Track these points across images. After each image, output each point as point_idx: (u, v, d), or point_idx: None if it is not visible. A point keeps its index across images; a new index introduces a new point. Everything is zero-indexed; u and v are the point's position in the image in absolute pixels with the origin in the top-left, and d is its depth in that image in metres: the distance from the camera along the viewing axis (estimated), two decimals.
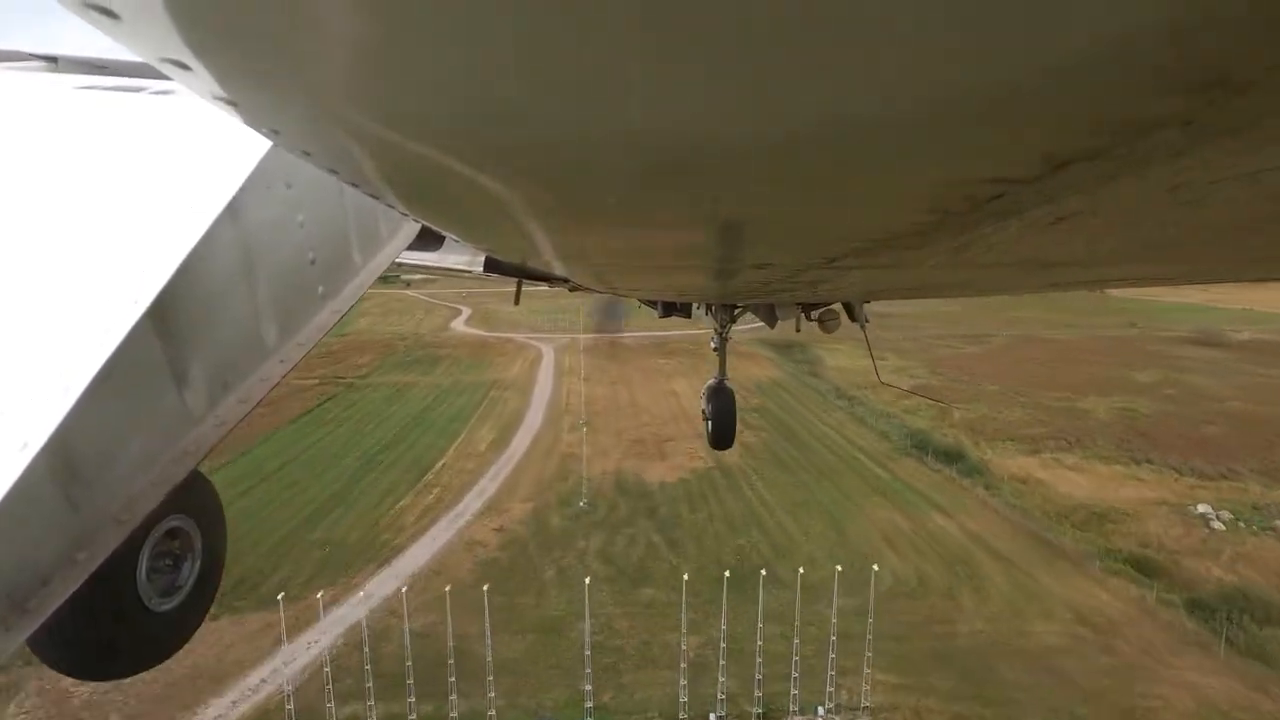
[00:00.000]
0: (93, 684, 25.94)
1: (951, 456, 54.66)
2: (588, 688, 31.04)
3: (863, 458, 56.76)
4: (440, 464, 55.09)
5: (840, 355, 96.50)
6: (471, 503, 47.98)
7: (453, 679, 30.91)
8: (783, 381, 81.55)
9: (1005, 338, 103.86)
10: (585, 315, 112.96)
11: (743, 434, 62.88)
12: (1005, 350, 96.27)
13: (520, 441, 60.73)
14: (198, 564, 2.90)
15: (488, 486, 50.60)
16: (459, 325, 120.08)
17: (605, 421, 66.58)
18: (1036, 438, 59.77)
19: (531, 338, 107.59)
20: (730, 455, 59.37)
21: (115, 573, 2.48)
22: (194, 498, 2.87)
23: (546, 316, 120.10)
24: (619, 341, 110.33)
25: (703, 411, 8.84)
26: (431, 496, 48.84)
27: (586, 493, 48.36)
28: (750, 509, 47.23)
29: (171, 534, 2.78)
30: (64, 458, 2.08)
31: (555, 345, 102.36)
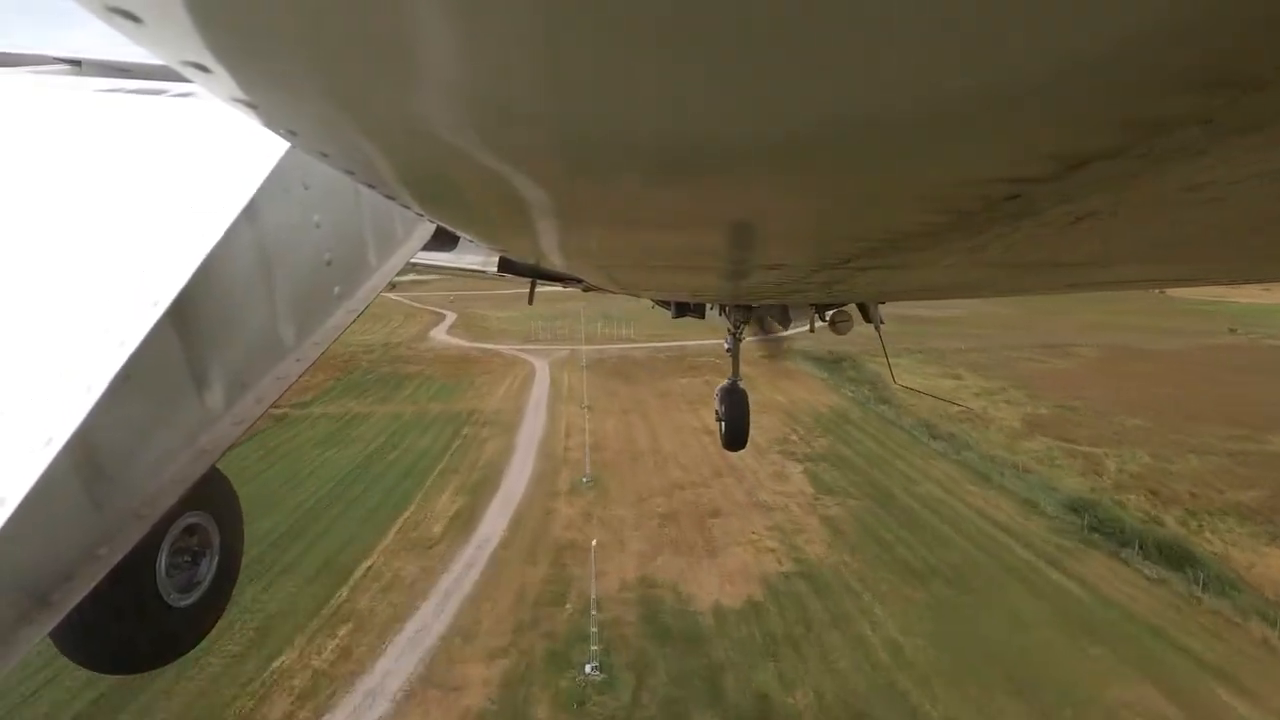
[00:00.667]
0: None
1: (1168, 551, 33.64)
2: None
3: (1018, 548, 35.72)
4: (364, 567, 34.00)
5: (902, 372, 75.65)
6: (400, 661, 26.91)
7: None
8: (847, 412, 60.56)
9: (1094, 348, 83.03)
10: (586, 321, 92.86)
11: (822, 502, 40.34)
12: (1104, 365, 75.40)
13: (495, 519, 39.61)
14: (215, 560, 2.89)
15: (432, 621, 29.53)
16: (439, 334, 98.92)
17: (619, 478, 45.55)
18: (1259, 508, 38.93)
19: (523, 350, 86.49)
20: (816, 542, 37.25)
21: (135, 568, 2.46)
22: (212, 495, 2.85)
23: (543, 323, 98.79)
24: (628, 355, 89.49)
25: (716, 412, 8.43)
26: (331, 649, 27.71)
27: (597, 642, 27.28)
28: (883, 673, 26.25)
29: (190, 530, 2.79)
30: (87, 454, 2.10)
31: (551, 359, 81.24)
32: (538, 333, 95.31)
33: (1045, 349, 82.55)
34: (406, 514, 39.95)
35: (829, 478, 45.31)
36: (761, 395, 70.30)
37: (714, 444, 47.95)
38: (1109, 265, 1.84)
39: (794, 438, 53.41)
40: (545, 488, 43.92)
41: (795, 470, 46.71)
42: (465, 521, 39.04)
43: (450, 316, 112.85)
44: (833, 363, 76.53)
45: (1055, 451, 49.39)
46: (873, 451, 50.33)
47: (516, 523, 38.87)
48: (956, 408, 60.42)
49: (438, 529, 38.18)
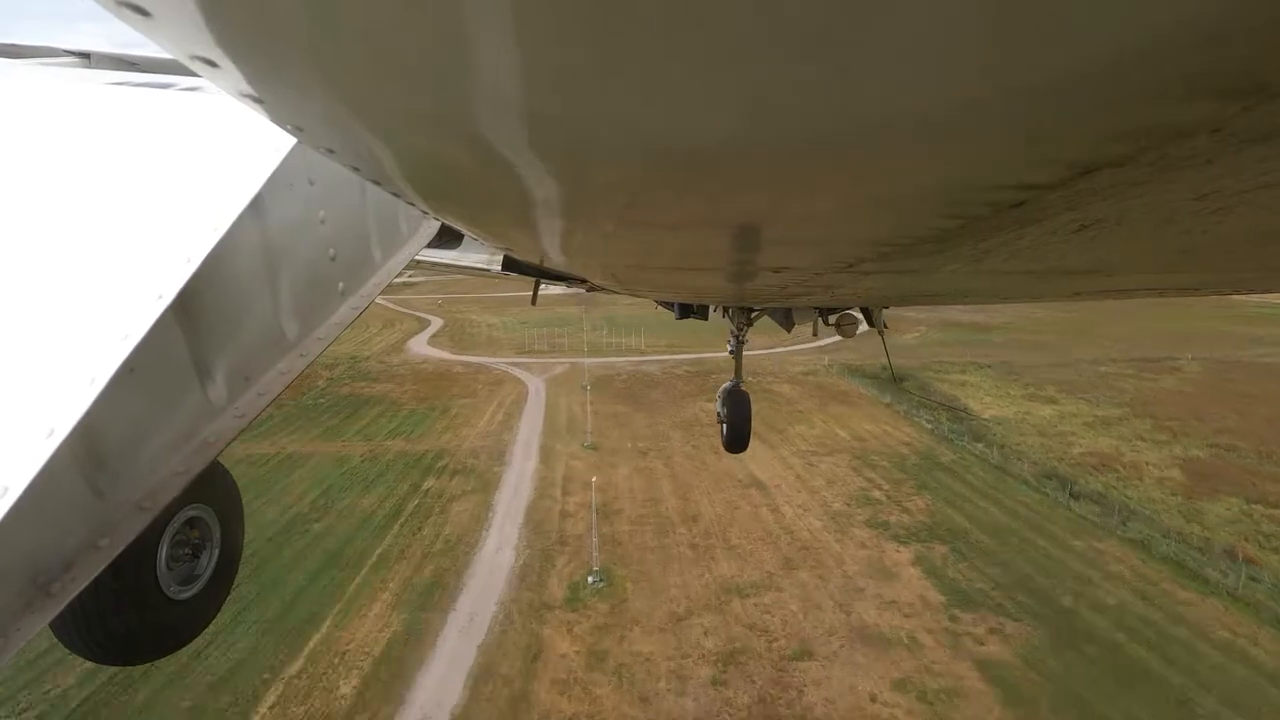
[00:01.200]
0: None
1: None
2: None
3: None
4: None
5: (983, 394, 59.46)
6: None
7: None
8: (935, 452, 44.60)
9: (1197, 362, 67.20)
10: (589, 327, 76.85)
11: (965, 626, 15.72)
12: (1217, 383, 59.55)
13: (447, 665, 23.63)
14: (216, 553, 2.84)
15: None
16: (419, 344, 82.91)
17: (641, 572, 29.60)
18: None
19: (515, 364, 70.62)
20: None
21: (136, 560, 2.44)
22: (213, 488, 2.82)
23: (539, 330, 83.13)
24: (639, 370, 73.51)
25: (718, 414, 8.27)
26: None
27: None
28: None
29: (191, 523, 2.74)
30: (89, 446, 2.07)
31: (547, 376, 65.34)
32: (533, 342, 79.46)
33: (1139, 364, 66.74)
34: (304, 653, 24.00)
35: (956, 572, 29.41)
36: (816, 428, 51.53)
37: (772, 510, 28.94)
38: (1113, 273, 1.80)
39: (878, 495, 37.53)
40: (531, 594, 27.99)
41: (900, 556, 30.83)
42: (395, 674, 23.07)
43: (435, 323, 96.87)
44: (891, 382, 60.72)
45: (1262, 521, 33.54)
46: (998, 521, 34.43)
47: (481, 676, 22.88)
48: (1072, 449, 44.65)
49: (348, 690, 22.20)
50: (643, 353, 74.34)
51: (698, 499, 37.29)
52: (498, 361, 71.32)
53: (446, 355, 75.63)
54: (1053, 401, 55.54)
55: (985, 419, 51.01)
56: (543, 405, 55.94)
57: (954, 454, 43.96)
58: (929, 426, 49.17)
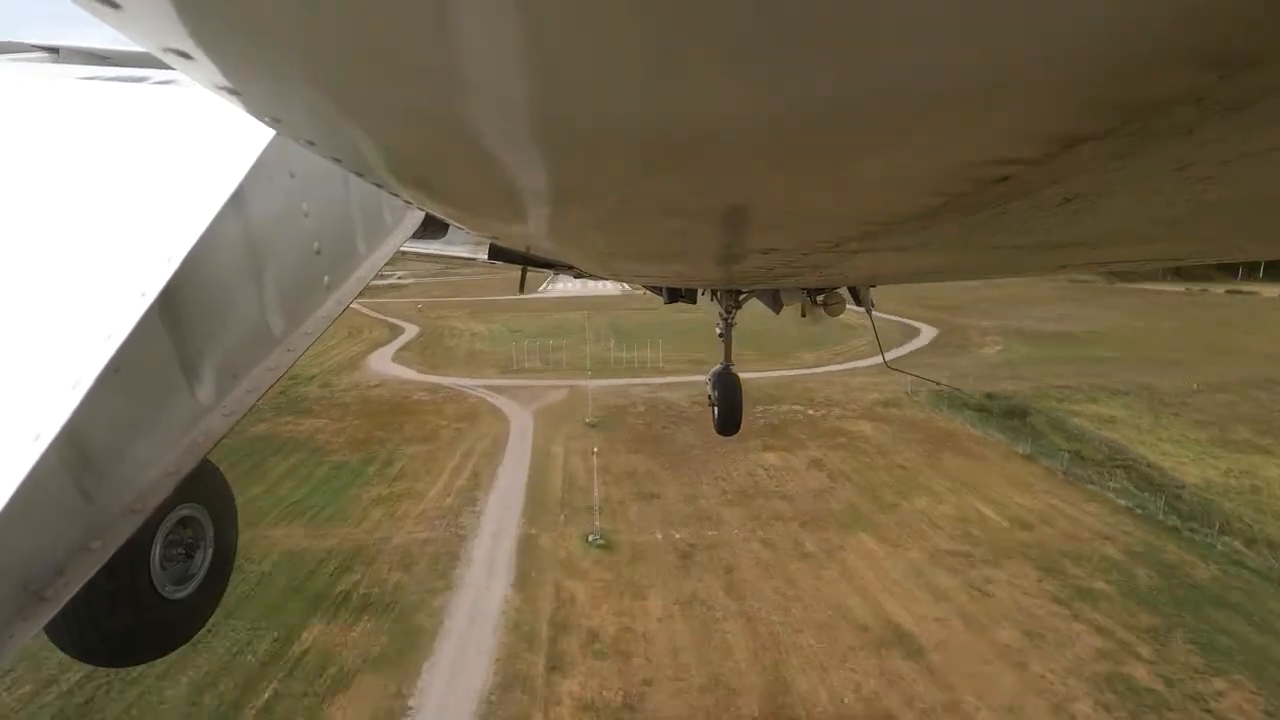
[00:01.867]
0: None
1: None
2: None
3: None
4: None
5: (1147, 436, 39.96)
6: None
7: None
8: (1172, 559, 25.70)
9: None
10: (592, 338, 56.35)
11: None
12: None
13: None
14: (210, 552, 2.79)
15: None
16: (382, 359, 63.85)
17: None
18: None
19: (498, 387, 51.99)
20: None
21: (130, 561, 2.39)
22: (205, 487, 2.76)
23: (530, 341, 63.79)
24: (658, 398, 54.16)
25: (708, 397, 8.28)
26: None
27: None
28: None
29: (184, 523, 2.69)
30: (76, 449, 2.04)
31: (538, 407, 46.60)
32: (523, 357, 60.92)
33: None
34: None
35: None
36: (944, 502, 28.16)
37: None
38: (1098, 245, 1.82)
39: (1143, 676, 19.07)
40: None
41: None
42: None
43: (409, 331, 78.18)
44: (1007, 417, 42.28)
45: None
46: None
47: None
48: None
49: None
50: (661, 371, 55.68)
51: (805, 687, 18.85)
52: (475, 385, 52.67)
53: (412, 374, 56.95)
54: (1265, 451, 37.09)
55: (1192, 484, 32.67)
56: (528, 455, 37.41)
57: (1207, 562, 25.38)
58: (1120, 500, 30.63)
